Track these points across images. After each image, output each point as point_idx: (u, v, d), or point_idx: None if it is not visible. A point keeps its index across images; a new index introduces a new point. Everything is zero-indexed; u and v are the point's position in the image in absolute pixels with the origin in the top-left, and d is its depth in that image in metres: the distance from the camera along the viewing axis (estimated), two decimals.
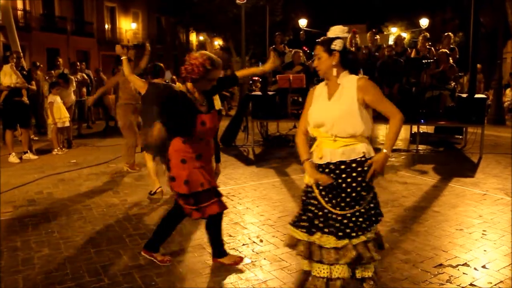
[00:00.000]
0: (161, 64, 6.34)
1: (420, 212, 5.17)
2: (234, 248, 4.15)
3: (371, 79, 2.91)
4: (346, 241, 2.81)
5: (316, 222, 2.88)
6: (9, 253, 4.08)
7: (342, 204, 2.82)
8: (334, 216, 2.83)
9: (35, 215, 5.13)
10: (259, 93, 10.38)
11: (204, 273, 3.67)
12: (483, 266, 3.76)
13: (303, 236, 2.92)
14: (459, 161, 8.22)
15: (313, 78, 9.52)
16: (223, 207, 3.68)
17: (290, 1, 28.19)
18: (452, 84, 9.40)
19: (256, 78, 27.62)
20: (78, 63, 12.32)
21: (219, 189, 3.71)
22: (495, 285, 3.46)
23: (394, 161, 8.13)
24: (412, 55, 10.09)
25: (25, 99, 8.23)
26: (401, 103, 8.73)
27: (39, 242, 4.33)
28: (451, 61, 9.36)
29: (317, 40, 2.94)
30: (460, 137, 9.92)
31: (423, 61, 9.25)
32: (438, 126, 9.92)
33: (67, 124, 9.04)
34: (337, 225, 2.81)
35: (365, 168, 2.81)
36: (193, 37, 39.99)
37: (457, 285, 3.45)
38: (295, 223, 2.97)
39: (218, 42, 33.47)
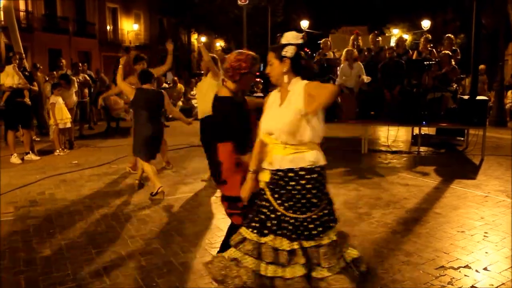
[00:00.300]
0: (151, 70, 6.48)
1: (421, 214, 5.17)
2: None
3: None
4: (297, 243, 2.80)
5: (269, 224, 2.87)
6: (11, 254, 4.09)
7: (294, 208, 2.82)
8: (287, 218, 2.82)
9: (36, 216, 5.14)
10: (260, 94, 10.38)
11: (205, 274, 3.66)
12: (485, 268, 3.76)
13: (253, 236, 2.90)
14: (461, 163, 8.21)
15: (315, 79, 9.53)
16: None
17: (291, 2, 28.23)
18: (454, 86, 9.39)
19: (258, 79, 27.60)
20: (80, 64, 12.32)
21: None
22: (496, 287, 3.46)
23: (396, 162, 8.13)
24: (414, 56, 10.09)
25: (27, 100, 8.24)
26: (402, 105, 8.87)
27: (41, 243, 4.34)
28: (453, 62, 9.35)
29: (270, 47, 3.04)
30: (462, 139, 9.91)
31: (425, 62, 9.24)
32: (440, 128, 9.91)
33: (69, 125, 9.04)
34: (290, 227, 2.81)
35: (314, 176, 2.81)
36: (195, 38, 40.04)
37: (459, 287, 3.45)
38: (247, 224, 2.96)
39: (219, 43, 33.50)
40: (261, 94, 10.18)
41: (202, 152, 5.99)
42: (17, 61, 8.26)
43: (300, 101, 2.78)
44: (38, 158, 8.33)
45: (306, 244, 2.80)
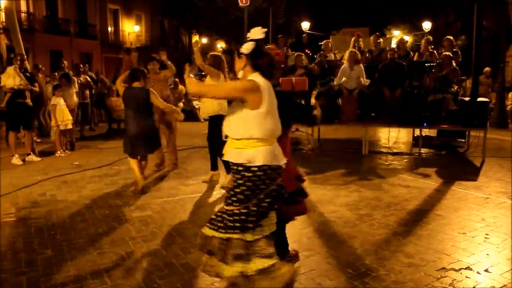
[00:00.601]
0: (143, 69, 6.67)
1: (422, 216, 5.17)
2: None
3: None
4: (213, 232, 3.01)
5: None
6: (12, 255, 4.09)
7: (229, 201, 3.00)
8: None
9: (38, 217, 5.14)
10: None
11: (206, 275, 3.67)
12: (486, 270, 3.76)
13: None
14: (462, 164, 8.21)
15: (316, 81, 9.54)
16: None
17: (293, 3, 28.23)
18: (455, 88, 9.40)
19: None
20: (81, 65, 12.32)
21: None
22: None
23: (397, 164, 8.13)
24: (415, 58, 10.09)
25: (28, 101, 8.25)
26: (403, 106, 8.87)
27: (42, 244, 4.34)
28: (453, 64, 9.36)
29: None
30: (463, 140, 9.91)
31: (426, 64, 9.25)
32: (441, 130, 9.91)
33: (70, 126, 9.03)
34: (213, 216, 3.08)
35: (248, 175, 2.91)
36: (195, 40, 40.08)
37: None
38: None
39: (220, 45, 33.52)
40: None
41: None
42: (18, 62, 8.27)
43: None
44: (39, 159, 8.34)
45: (215, 234, 3.03)
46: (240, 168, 2.92)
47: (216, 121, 5.80)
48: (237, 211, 2.93)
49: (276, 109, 3.01)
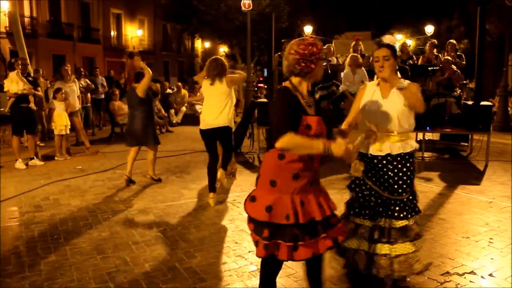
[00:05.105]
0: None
1: (426, 220, 5.15)
2: (240, 255, 4.15)
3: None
4: (405, 221, 3.34)
5: (379, 209, 3.37)
6: (16, 259, 4.10)
7: (396, 192, 3.34)
8: (391, 201, 3.35)
9: (41, 221, 5.15)
10: (264, 100, 10.40)
11: (209, 279, 3.67)
12: (490, 275, 3.75)
13: (367, 222, 3.40)
14: (465, 168, 8.19)
15: (318, 84, 9.53)
16: (308, 253, 2.76)
17: (296, 8, 28.26)
18: (458, 91, 9.39)
19: (262, 84, 27.58)
20: (82, 69, 12.32)
21: (331, 221, 2.87)
22: None
23: None
24: (420, 62, 10.09)
25: (32, 105, 8.26)
26: None
27: (45, 248, 4.35)
28: (454, 67, 9.35)
29: (383, 43, 3.35)
30: (466, 144, 9.89)
31: (429, 68, 9.25)
32: (444, 133, 9.90)
33: (64, 132, 8.92)
34: (396, 208, 3.34)
35: (412, 161, 3.41)
36: (199, 44, 40.17)
37: None
38: (357, 213, 3.44)
39: (223, 49, 33.58)
40: (265, 100, 10.18)
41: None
42: (20, 66, 8.24)
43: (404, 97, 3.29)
44: (42, 163, 8.35)
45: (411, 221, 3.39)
46: (407, 157, 3.34)
47: (228, 132, 5.84)
48: (410, 197, 3.38)
49: None
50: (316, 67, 2.73)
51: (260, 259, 2.91)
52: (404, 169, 3.31)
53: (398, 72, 3.42)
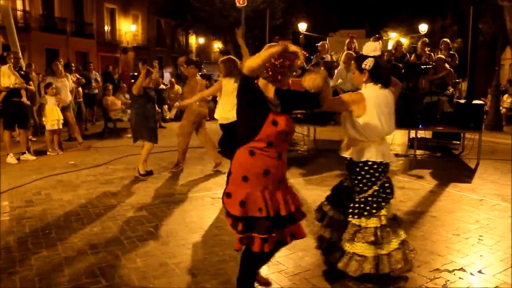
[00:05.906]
0: (149, 68, 7.10)
1: (417, 217, 5.19)
2: (231, 251, 4.15)
3: None
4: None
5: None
6: (6, 254, 4.09)
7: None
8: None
9: (32, 216, 5.13)
10: None
11: (201, 275, 3.67)
12: (479, 271, 3.78)
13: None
14: (457, 166, 8.24)
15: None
16: (278, 245, 3.04)
17: (290, 5, 28.28)
18: (450, 90, 9.44)
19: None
20: (73, 64, 12.23)
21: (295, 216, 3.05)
22: None
23: (392, 165, 8.13)
24: (412, 59, 10.13)
25: (24, 99, 8.21)
26: (399, 108, 8.85)
27: (37, 243, 4.34)
28: (447, 66, 9.40)
29: (353, 57, 3.40)
30: (458, 142, 9.95)
31: (422, 66, 9.28)
32: (436, 132, 9.94)
33: (56, 127, 8.89)
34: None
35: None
36: (193, 40, 40.06)
37: None
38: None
39: (217, 45, 33.53)
40: None
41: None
42: (12, 60, 8.19)
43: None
44: (34, 158, 8.32)
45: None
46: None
47: (233, 128, 5.85)
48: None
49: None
50: (283, 79, 2.90)
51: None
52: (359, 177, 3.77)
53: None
